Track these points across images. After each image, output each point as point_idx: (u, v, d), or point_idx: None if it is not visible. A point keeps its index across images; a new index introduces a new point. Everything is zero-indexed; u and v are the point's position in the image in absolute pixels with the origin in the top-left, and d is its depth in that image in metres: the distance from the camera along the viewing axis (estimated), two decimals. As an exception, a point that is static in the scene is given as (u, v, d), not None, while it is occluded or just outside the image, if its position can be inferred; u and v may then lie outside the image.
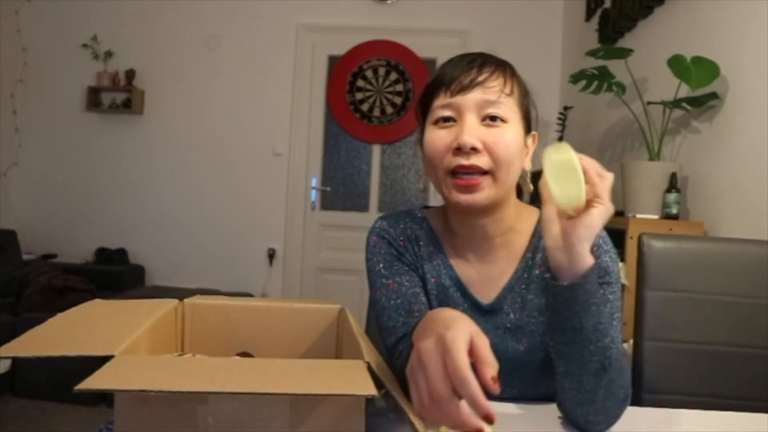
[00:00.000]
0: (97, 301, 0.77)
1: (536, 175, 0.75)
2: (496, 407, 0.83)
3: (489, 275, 0.89)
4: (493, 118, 0.80)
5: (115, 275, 3.65)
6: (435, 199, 3.78)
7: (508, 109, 0.82)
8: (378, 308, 0.88)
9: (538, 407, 0.84)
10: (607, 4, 2.89)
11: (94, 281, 3.24)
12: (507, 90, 0.82)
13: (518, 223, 0.89)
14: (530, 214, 0.92)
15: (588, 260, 0.70)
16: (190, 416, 0.50)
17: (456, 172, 0.80)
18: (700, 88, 1.89)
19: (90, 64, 3.96)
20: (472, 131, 0.79)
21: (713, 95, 1.90)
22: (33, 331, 0.60)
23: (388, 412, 0.74)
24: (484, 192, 0.80)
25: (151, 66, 3.97)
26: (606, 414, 0.74)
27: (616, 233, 1.89)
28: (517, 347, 0.86)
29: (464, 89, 0.81)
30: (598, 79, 2.34)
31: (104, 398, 2.55)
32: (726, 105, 1.89)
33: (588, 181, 0.67)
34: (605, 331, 0.72)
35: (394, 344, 0.84)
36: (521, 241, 0.90)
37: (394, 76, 3.92)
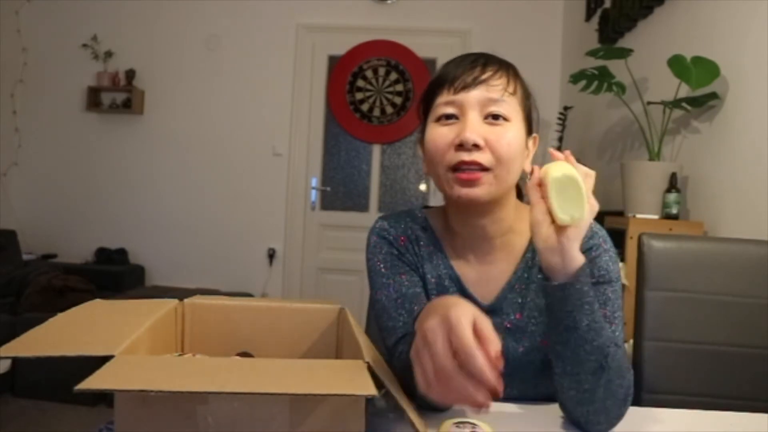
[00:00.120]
0: (97, 301, 0.77)
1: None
2: (496, 407, 0.83)
3: (489, 276, 0.89)
4: (496, 117, 0.81)
5: (115, 275, 3.65)
6: (435, 199, 3.78)
7: (511, 108, 0.82)
8: (378, 308, 0.88)
9: (538, 407, 0.84)
10: (607, 4, 2.89)
11: (94, 281, 3.24)
12: (510, 89, 0.83)
13: (518, 224, 0.89)
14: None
15: (578, 259, 0.71)
16: (190, 416, 0.50)
17: (457, 168, 0.80)
18: (700, 88, 1.89)
19: (90, 64, 3.96)
20: (475, 128, 0.79)
21: (713, 95, 1.90)
22: (33, 331, 0.60)
23: (388, 412, 0.74)
24: (485, 187, 0.80)
25: (151, 66, 3.97)
26: (607, 414, 0.74)
27: (616, 233, 1.89)
28: (517, 347, 0.86)
29: (467, 87, 0.81)
30: (598, 79, 2.34)
31: (104, 398, 2.55)
32: (726, 105, 1.89)
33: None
34: (601, 330, 0.72)
35: (394, 344, 0.84)
36: (521, 241, 0.90)
37: (394, 76, 3.92)
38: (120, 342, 0.57)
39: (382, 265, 0.90)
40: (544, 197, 0.72)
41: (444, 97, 0.83)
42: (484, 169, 0.79)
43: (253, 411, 0.50)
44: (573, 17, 3.56)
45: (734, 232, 1.80)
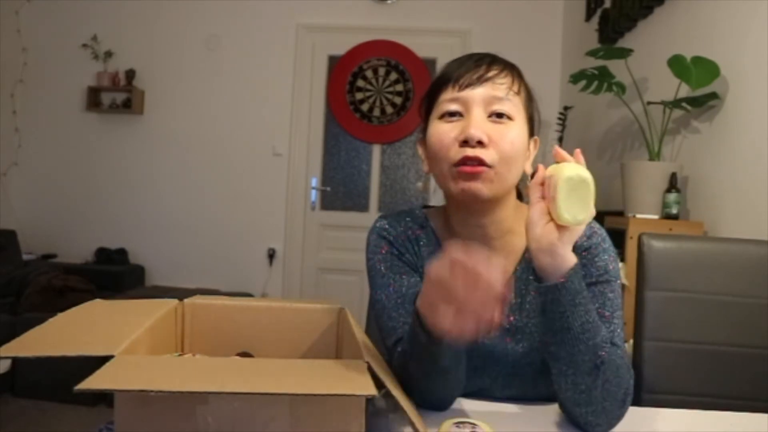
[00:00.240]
0: (97, 301, 0.77)
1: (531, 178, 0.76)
2: (497, 407, 0.83)
3: None
4: (500, 115, 0.81)
5: (115, 275, 3.65)
6: (435, 199, 3.78)
7: (515, 107, 0.82)
8: (378, 308, 0.88)
9: (538, 407, 0.84)
10: (607, 4, 2.89)
11: (94, 281, 3.24)
12: (515, 89, 0.83)
13: (518, 225, 0.89)
14: None
15: (570, 260, 0.71)
16: (190, 416, 0.50)
17: (461, 164, 0.80)
18: (700, 88, 1.89)
19: (90, 64, 3.96)
20: (479, 125, 0.79)
21: (713, 95, 1.90)
22: (33, 331, 0.60)
23: (388, 412, 0.74)
24: (487, 183, 0.79)
25: (151, 66, 3.97)
26: (606, 416, 0.74)
27: (616, 233, 1.89)
28: (516, 348, 0.86)
29: (472, 84, 0.81)
30: (598, 79, 2.34)
31: (104, 398, 2.55)
32: (726, 105, 1.89)
33: None
34: (595, 330, 0.72)
35: (394, 344, 0.84)
36: (521, 242, 0.90)
37: (394, 76, 3.92)
38: (120, 342, 0.57)
39: (382, 265, 0.90)
40: (545, 197, 0.72)
41: (448, 94, 0.83)
42: (487, 166, 0.79)
43: (253, 411, 0.50)
44: (573, 17, 3.56)
45: (734, 232, 1.80)
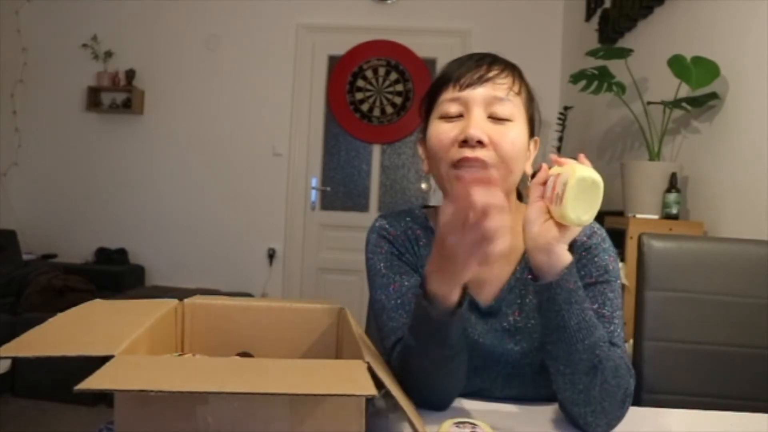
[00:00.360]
0: (97, 301, 0.77)
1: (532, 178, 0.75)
2: (497, 407, 0.83)
3: (488, 277, 0.89)
4: (500, 116, 0.80)
5: (115, 275, 3.65)
6: (435, 199, 3.78)
7: (515, 108, 0.82)
8: (377, 308, 0.88)
9: (538, 407, 0.84)
10: (607, 4, 2.89)
11: (94, 281, 3.23)
12: (515, 89, 0.83)
13: (518, 226, 0.89)
14: None
15: (565, 259, 0.71)
16: (190, 416, 0.50)
17: (460, 164, 0.80)
18: (700, 88, 1.89)
19: (90, 64, 3.96)
20: (479, 125, 0.79)
21: (713, 95, 1.90)
22: (33, 331, 0.60)
23: (388, 412, 0.74)
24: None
25: (151, 66, 3.97)
26: (605, 416, 0.74)
27: (616, 233, 1.89)
28: (516, 348, 0.86)
29: (473, 84, 0.81)
30: (598, 79, 2.34)
31: (104, 398, 2.55)
32: (726, 105, 1.89)
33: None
34: (591, 329, 0.72)
35: (393, 344, 0.84)
36: (521, 243, 0.89)
37: (394, 76, 3.92)
38: (120, 342, 0.57)
39: (382, 265, 0.90)
40: (544, 197, 0.72)
41: (449, 94, 0.83)
42: (486, 168, 0.79)
43: (253, 411, 0.50)
44: (573, 17, 3.56)
45: (734, 232, 1.80)
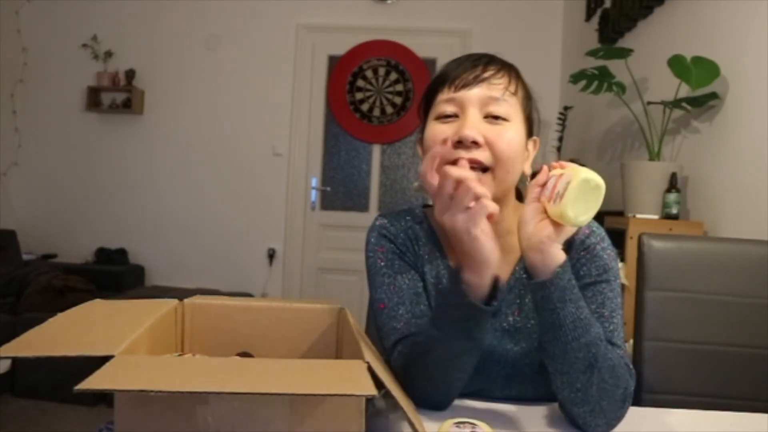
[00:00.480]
0: (97, 301, 0.77)
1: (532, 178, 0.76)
2: (496, 407, 0.83)
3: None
4: (496, 116, 0.80)
5: (115, 275, 3.65)
6: (435, 199, 3.78)
7: (512, 107, 0.82)
8: (378, 307, 0.88)
9: (538, 407, 0.84)
10: (607, 4, 2.89)
11: (94, 281, 3.23)
12: (512, 89, 0.82)
13: (516, 226, 0.89)
14: None
15: (559, 257, 0.71)
16: (190, 416, 0.50)
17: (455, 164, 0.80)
18: (700, 88, 1.89)
19: (90, 64, 3.96)
20: (474, 125, 0.79)
21: (713, 95, 1.90)
22: (33, 331, 0.60)
23: (388, 412, 0.74)
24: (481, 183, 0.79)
25: (151, 66, 3.97)
26: (604, 415, 0.74)
27: (616, 233, 1.89)
28: (515, 349, 0.86)
29: (468, 84, 0.81)
30: (598, 79, 2.34)
31: (104, 398, 2.55)
32: (726, 105, 1.89)
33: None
34: (587, 327, 0.72)
35: (393, 344, 0.84)
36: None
37: (394, 76, 3.92)
38: (120, 342, 0.57)
39: (382, 264, 0.90)
40: (542, 197, 0.72)
41: (445, 94, 0.83)
42: (484, 169, 0.79)
43: (253, 411, 0.50)
44: (573, 17, 3.56)
45: (734, 232, 1.80)
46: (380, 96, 3.92)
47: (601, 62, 2.40)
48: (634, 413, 0.79)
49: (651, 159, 2.09)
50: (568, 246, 0.83)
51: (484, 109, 0.81)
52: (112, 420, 0.52)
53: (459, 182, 0.68)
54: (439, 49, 3.84)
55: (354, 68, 3.92)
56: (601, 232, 0.87)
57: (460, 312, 0.72)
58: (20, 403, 2.63)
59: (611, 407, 0.74)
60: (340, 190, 3.99)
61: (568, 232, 0.71)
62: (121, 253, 3.90)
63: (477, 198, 0.68)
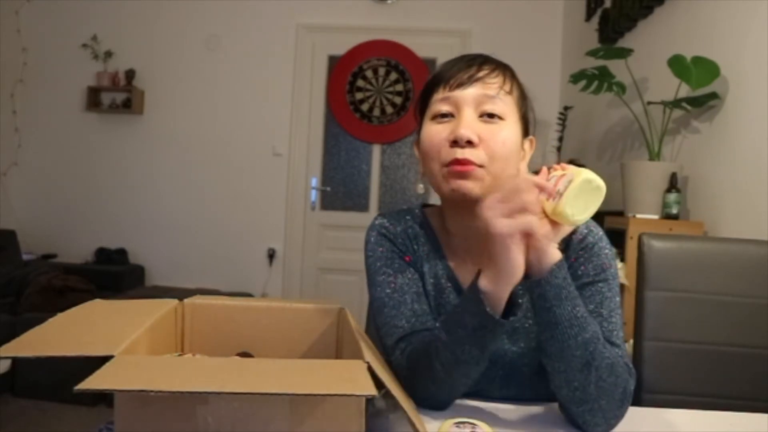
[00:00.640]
0: (97, 301, 0.77)
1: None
2: (496, 407, 0.83)
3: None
4: (491, 115, 0.81)
5: (115, 275, 3.65)
6: (434, 198, 3.78)
7: (507, 107, 0.82)
8: (377, 306, 0.88)
9: (537, 407, 0.84)
10: (607, 4, 2.89)
11: (94, 281, 3.24)
12: (506, 88, 0.83)
13: None
14: None
15: (555, 256, 0.71)
16: (190, 416, 0.50)
17: (451, 164, 0.80)
18: (700, 88, 1.89)
19: (90, 64, 3.96)
20: (469, 124, 0.79)
21: (713, 95, 1.90)
22: (33, 331, 0.60)
23: (388, 412, 0.74)
24: (478, 182, 0.80)
25: (151, 66, 3.97)
26: (603, 415, 0.74)
27: (616, 233, 1.89)
28: (514, 349, 0.86)
29: (463, 84, 0.81)
30: (598, 79, 2.34)
31: (104, 398, 2.55)
32: (726, 105, 1.89)
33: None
34: (584, 325, 0.71)
35: (394, 344, 0.84)
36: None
37: (394, 76, 3.92)
38: (120, 342, 0.57)
39: (381, 263, 0.90)
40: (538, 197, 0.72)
41: (440, 94, 0.83)
42: (479, 166, 0.79)
43: (253, 411, 0.50)
44: (573, 17, 3.56)
45: (734, 232, 1.80)
46: (380, 96, 3.92)
47: (601, 62, 2.40)
48: (634, 413, 0.79)
49: (651, 159, 2.10)
50: (566, 246, 0.83)
51: (479, 107, 0.81)
52: (112, 420, 0.52)
53: (517, 192, 0.68)
54: (439, 49, 3.85)
55: (354, 68, 3.92)
56: (599, 231, 0.87)
57: (476, 320, 0.72)
58: (20, 403, 2.63)
59: (610, 406, 0.74)
60: (340, 190, 3.99)
61: (565, 231, 0.71)
62: (121, 253, 3.90)
63: (525, 210, 0.67)
